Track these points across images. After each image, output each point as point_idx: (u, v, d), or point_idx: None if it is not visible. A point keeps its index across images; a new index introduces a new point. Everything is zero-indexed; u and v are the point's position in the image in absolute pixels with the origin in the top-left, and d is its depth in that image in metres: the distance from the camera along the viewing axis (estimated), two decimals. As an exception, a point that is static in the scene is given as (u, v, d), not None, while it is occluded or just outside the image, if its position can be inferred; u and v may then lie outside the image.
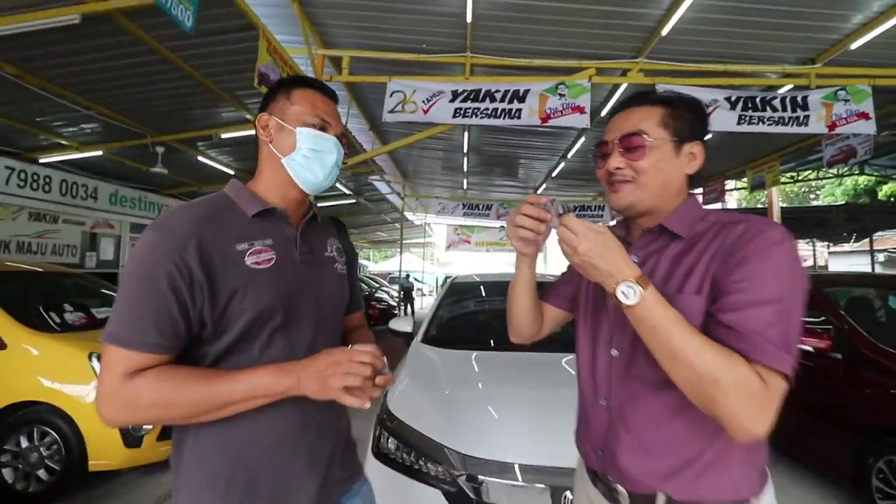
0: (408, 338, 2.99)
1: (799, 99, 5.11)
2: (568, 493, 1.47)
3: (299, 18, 4.68)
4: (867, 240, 13.32)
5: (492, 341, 2.65)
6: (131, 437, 2.83)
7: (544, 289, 1.15)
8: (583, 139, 7.88)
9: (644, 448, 0.86)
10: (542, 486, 1.51)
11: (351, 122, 7.40)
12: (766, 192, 8.99)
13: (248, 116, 6.30)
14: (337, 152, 0.95)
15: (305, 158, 0.92)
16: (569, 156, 8.76)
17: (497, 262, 17.62)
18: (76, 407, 2.81)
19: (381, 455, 1.79)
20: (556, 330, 1.18)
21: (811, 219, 11.74)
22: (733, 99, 5.09)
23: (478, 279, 3.77)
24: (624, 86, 5.63)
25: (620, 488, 0.89)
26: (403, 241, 14.58)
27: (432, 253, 28.72)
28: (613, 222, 1.05)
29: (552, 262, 19.50)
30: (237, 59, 4.81)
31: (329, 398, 0.81)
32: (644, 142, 0.87)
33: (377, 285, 15.47)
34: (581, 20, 4.61)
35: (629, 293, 0.75)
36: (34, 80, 4.85)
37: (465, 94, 5.05)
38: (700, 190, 10.62)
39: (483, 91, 5.06)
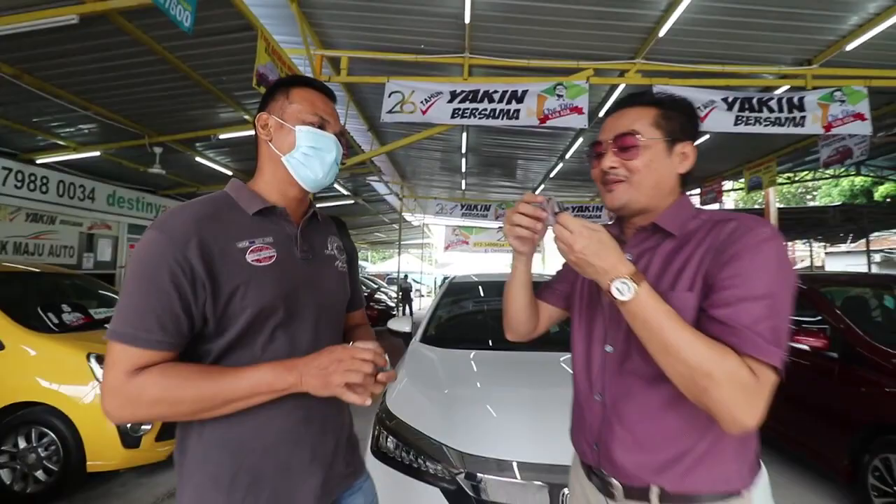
0: (406, 338, 3.00)
1: (795, 100, 5.14)
2: (566, 490, 1.48)
3: (298, 19, 4.69)
4: (864, 240, 13.37)
5: (490, 341, 2.66)
6: (130, 438, 2.83)
7: (540, 287, 1.17)
8: (581, 140, 7.90)
9: (638, 442, 0.87)
10: (541, 483, 1.52)
11: (349, 123, 7.40)
12: (763, 193, 9.03)
13: (247, 117, 6.29)
14: (336, 150, 0.96)
15: (305, 156, 0.93)
16: (567, 156, 8.78)
17: (495, 263, 17.64)
18: (74, 408, 2.80)
19: (381, 454, 1.80)
20: (552, 328, 1.19)
21: (808, 219, 11.81)
22: (730, 100, 5.12)
23: (476, 279, 3.78)
24: (622, 86, 5.65)
25: (615, 481, 0.90)
26: (402, 242, 14.59)
27: (430, 254, 28.74)
28: (611, 222, 1.07)
29: (550, 263, 19.54)
30: (235, 60, 4.81)
31: (331, 395, 0.81)
32: (637, 141, 0.89)
33: (376, 286, 15.48)
34: (579, 21, 4.63)
35: (624, 289, 0.76)
36: (31, 80, 4.84)
37: (464, 94, 5.06)
38: (697, 190, 10.67)
39: (481, 92, 5.07)
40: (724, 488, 0.84)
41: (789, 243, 20.44)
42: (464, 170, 10.14)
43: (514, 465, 1.56)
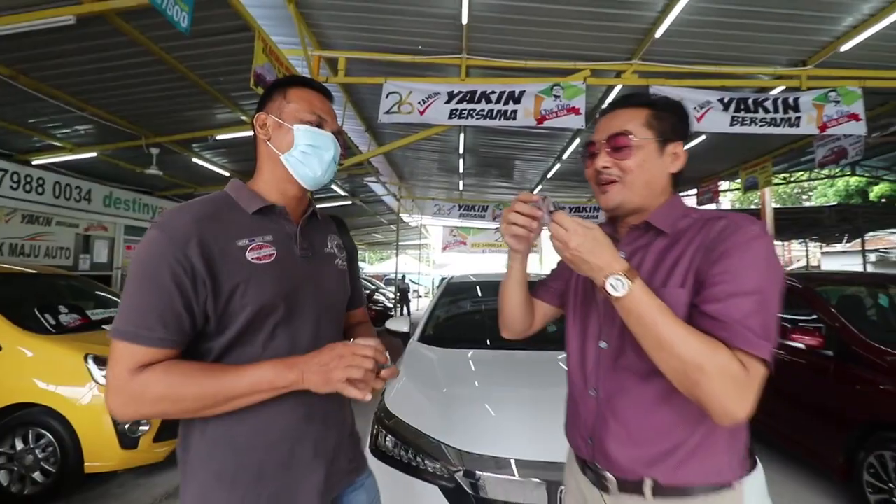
0: (405, 338, 3.01)
1: (790, 100, 5.17)
2: (563, 487, 1.49)
3: (295, 19, 4.69)
4: (859, 240, 13.45)
5: (488, 340, 2.67)
6: (127, 439, 2.83)
7: (535, 286, 1.18)
8: (578, 140, 7.93)
9: (632, 436, 0.89)
10: (538, 480, 1.53)
11: (347, 124, 7.41)
12: (759, 193, 9.07)
13: (244, 118, 6.29)
14: (334, 148, 0.97)
15: (303, 154, 0.94)
16: (564, 157, 8.81)
17: (493, 264, 17.65)
18: (72, 409, 2.80)
19: (379, 452, 1.80)
20: (550, 327, 1.20)
21: (804, 219, 11.85)
22: (726, 100, 5.14)
23: (474, 279, 3.79)
24: (618, 87, 5.67)
25: (609, 475, 0.92)
26: (399, 243, 14.59)
27: (428, 254, 28.74)
28: (605, 221, 1.08)
29: (548, 263, 19.57)
30: (233, 61, 4.81)
31: (332, 390, 0.82)
32: (630, 141, 0.91)
33: (374, 287, 15.48)
34: (576, 22, 4.65)
35: (618, 286, 0.78)
36: (28, 80, 4.83)
37: (461, 95, 5.08)
38: (694, 190, 10.72)
39: (479, 92, 5.08)
40: (715, 480, 0.86)
41: (785, 243, 20.54)
42: (461, 170, 10.15)
43: (513, 462, 1.57)
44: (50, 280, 3.95)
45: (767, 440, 3.55)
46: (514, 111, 5.05)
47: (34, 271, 3.97)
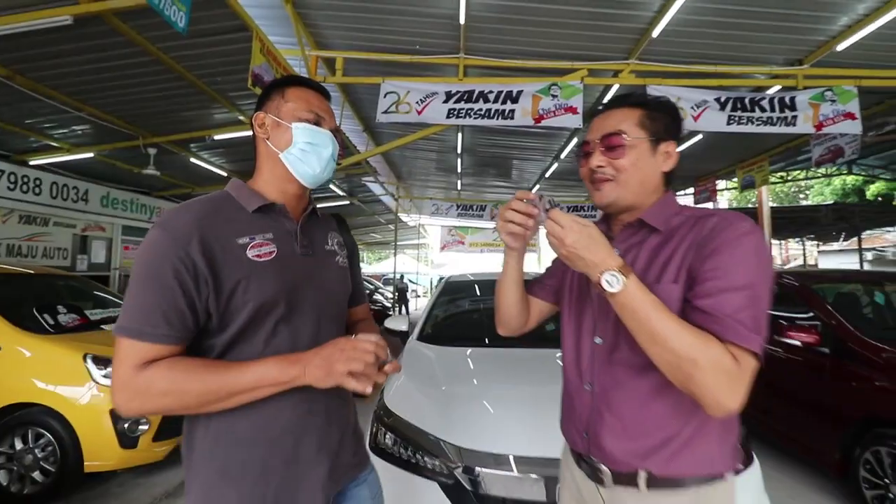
0: (403, 336, 3.02)
1: (787, 99, 5.20)
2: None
3: (293, 20, 4.69)
4: (856, 238, 13.50)
5: (486, 338, 2.68)
6: (127, 438, 2.83)
7: (530, 283, 1.19)
8: (575, 140, 7.94)
9: (626, 429, 0.91)
10: (536, 476, 1.54)
11: (344, 124, 7.41)
12: (756, 192, 9.11)
13: (242, 118, 6.29)
14: (332, 146, 0.98)
15: (302, 152, 0.95)
16: (562, 156, 8.83)
17: (491, 263, 17.67)
18: (71, 408, 2.80)
19: (379, 450, 1.81)
20: (548, 325, 1.21)
21: (801, 218, 11.89)
22: (723, 99, 5.17)
23: (472, 278, 3.81)
24: (616, 86, 5.69)
25: (604, 468, 0.93)
26: (398, 243, 14.59)
27: (426, 254, 28.73)
28: (598, 219, 1.10)
29: (546, 262, 19.57)
30: (230, 61, 4.81)
31: (334, 384, 0.83)
32: (623, 141, 0.93)
33: (372, 287, 15.49)
34: (573, 22, 4.66)
35: (613, 281, 0.80)
36: (24, 81, 4.82)
37: (459, 94, 5.09)
38: (691, 189, 10.75)
39: (476, 92, 5.09)
40: (708, 471, 0.88)
41: (782, 242, 20.59)
42: (459, 170, 10.16)
43: (511, 458, 1.58)
44: (48, 280, 3.95)
45: (764, 437, 3.57)
46: (512, 111, 5.07)
47: (32, 271, 3.96)
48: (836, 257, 20.92)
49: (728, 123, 5.15)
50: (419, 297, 23.07)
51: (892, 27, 4.53)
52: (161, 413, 0.83)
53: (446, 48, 5.23)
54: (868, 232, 15.55)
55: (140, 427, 2.87)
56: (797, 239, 17.17)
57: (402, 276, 16.56)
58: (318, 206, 1.08)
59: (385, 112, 5.12)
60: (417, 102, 5.08)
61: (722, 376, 0.75)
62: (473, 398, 1.95)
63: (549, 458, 1.52)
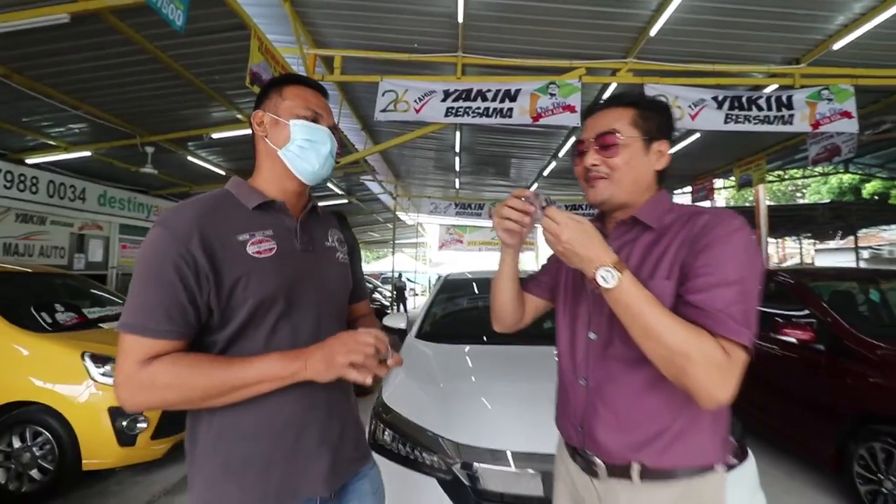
0: (401, 334, 3.03)
1: (784, 98, 5.22)
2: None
3: (291, 18, 4.69)
4: (852, 237, 13.56)
5: (484, 336, 2.69)
6: (125, 436, 2.83)
7: (526, 280, 1.21)
8: (573, 138, 7.95)
9: (620, 422, 0.93)
10: (534, 471, 1.56)
11: (343, 122, 7.41)
12: (753, 190, 9.13)
13: (240, 116, 6.28)
14: (330, 142, 0.99)
15: (301, 149, 0.96)
16: (560, 155, 8.84)
17: (489, 262, 17.68)
18: (69, 406, 2.80)
19: (378, 446, 1.82)
20: (546, 323, 1.23)
21: (798, 217, 11.94)
22: (720, 98, 5.19)
23: (471, 276, 3.82)
24: (613, 85, 5.71)
25: (598, 461, 0.95)
26: (396, 242, 14.59)
27: (425, 253, 28.75)
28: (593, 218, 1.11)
29: (544, 260, 19.58)
30: (228, 59, 4.81)
31: (335, 375, 0.84)
32: (617, 140, 0.94)
33: (371, 286, 15.50)
34: (571, 21, 4.67)
35: (608, 277, 0.81)
36: (21, 79, 4.80)
37: (457, 93, 5.09)
38: (689, 188, 10.78)
39: (475, 90, 5.10)
40: (699, 463, 0.90)
41: (779, 240, 20.65)
42: (457, 168, 10.16)
43: (509, 454, 1.60)
44: (46, 279, 3.95)
45: (760, 434, 3.59)
46: (510, 109, 5.08)
47: (30, 270, 3.96)
48: (832, 256, 21.02)
49: (725, 122, 5.17)
50: (417, 295, 23.08)
51: (888, 26, 4.56)
52: (164, 407, 0.84)
53: (444, 47, 5.23)
54: (864, 230, 15.62)
55: (138, 425, 2.87)
56: (794, 237, 17.25)
57: (400, 275, 16.57)
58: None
59: (383, 110, 5.12)
60: (416, 101, 5.08)
61: (714, 369, 0.76)
62: (471, 395, 1.96)
63: (546, 453, 1.53)
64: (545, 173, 10.16)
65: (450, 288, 3.59)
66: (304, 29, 5.02)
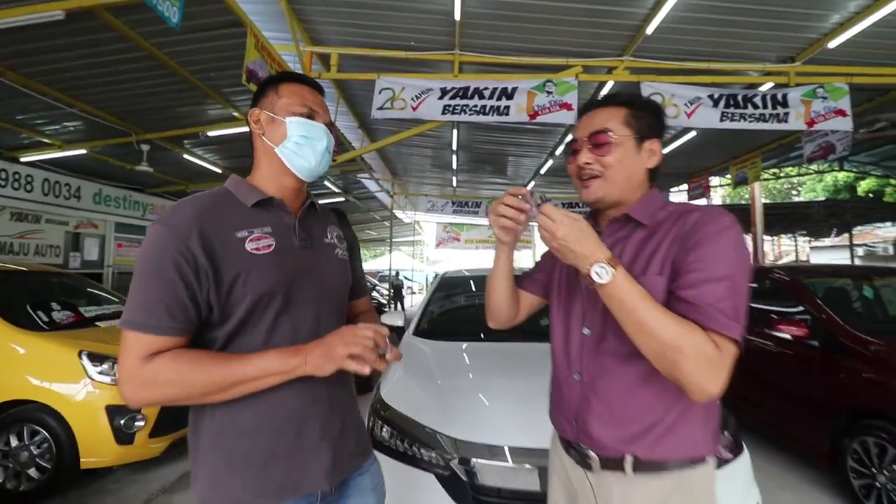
0: (399, 332, 3.04)
1: (779, 96, 5.25)
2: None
3: (287, 15, 4.68)
4: (847, 234, 13.65)
5: (481, 333, 2.70)
6: (123, 435, 2.83)
7: (520, 277, 1.23)
8: (570, 136, 7.96)
9: (614, 416, 0.94)
10: (530, 466, 1.57)
11: (339, 120, 7.39)
12: (748, 188, 9.18)
13: (236, 114, 6.26)
14: (327, 139, 1.00)
15: (297, 145, 0.96)
16: (556, 153, 8.85)
17: (486, 260, 17.71)
18: (67, 405, 2.79)
19: (376, 443, 1.83)
20: (542, 320, 1.24)
21: (793, 214, 12.01)
22: (716, 96, 5.21)
23: (467, 274, 3.83)
24: (610, 83, 5.72)
25: (592, 454, 0.97)
26: (393, 240, 14.59)
27: (422, 251, 28.74)
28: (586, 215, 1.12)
29: (541, 259, 19.59)
30: (224, 56, 4.79)
31: (335, 367, 0.85)
32: (610, 139, 0.96)
33: (370, 284, 15.48)
34: (568, 19, 4.68)
35: (602, 273, 0.83)
36: (16, 76, 4.78)
37: (454, 91, 5.10)
38: (685, 186, 10.82)
39: (472, 88, 5.11)
40: (690, 454, 0.93)
41: (775, 238, 20.76)
42: (454, 166, 10.17)
43: (506, 450, 1.61)
44: (42, 277, 3.93)
45: (755, 429, 3.63)
46: (507, 107, 5.09)
47: (26, 268, 3.94)
48: (827, 253, 21.13)
49: (721, 120, 5.19)
50: (414, 293, 23.08)
51: (882, 25, 4.59)
52: (166, 403, 0.84)
53: (441, 44, 5.23)
54: (859, 228, 15.71)
55: (136, 423, 2.87)
56: (789, 235, 17.35)
57: (397, 273, 16.56)
58: (314, 203, 1.09)
59: (380, 108, 5.12)
60: (412, 99, 5.08)
61: (705, 363, 0.78)
62: (469, 391, 1.98)
63: (543, 448, 1.54)
64: (542, 171, 10.17)
65: (447, 286, 3.60)
66: (301, 26, 5.00)
